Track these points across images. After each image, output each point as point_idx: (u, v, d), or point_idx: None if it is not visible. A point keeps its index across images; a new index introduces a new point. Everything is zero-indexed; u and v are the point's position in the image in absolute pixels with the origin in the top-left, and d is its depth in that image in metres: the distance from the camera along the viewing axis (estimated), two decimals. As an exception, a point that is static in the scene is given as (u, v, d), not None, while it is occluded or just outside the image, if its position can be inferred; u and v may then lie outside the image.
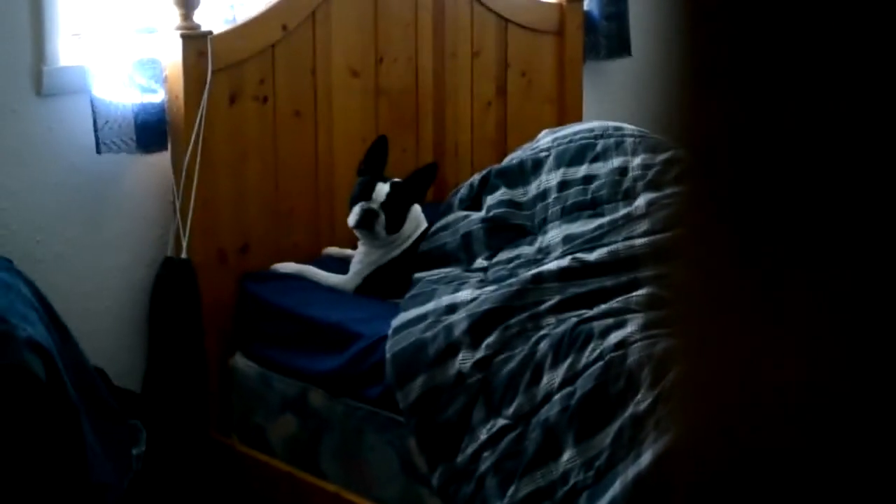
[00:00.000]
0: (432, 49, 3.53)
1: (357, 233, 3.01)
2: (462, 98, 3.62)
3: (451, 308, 2.68)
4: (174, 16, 2.95)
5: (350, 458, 2.83)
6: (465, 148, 3.66)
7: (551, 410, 2.40)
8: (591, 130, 3.16)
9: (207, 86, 2.98)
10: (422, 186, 3.02)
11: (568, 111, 3.85)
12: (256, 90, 3.17)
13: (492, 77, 3.70)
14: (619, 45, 4.02)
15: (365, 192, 2.95)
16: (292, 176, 3.27)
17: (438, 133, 3.59)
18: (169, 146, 3.03)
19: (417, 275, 2.92)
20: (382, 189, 2.95)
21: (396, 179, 3.00)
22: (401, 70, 3.47)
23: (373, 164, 3.01)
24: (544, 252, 2.82)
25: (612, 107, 4.07)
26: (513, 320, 2.58)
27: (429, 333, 2.64)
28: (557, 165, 3.06)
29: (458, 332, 2.60)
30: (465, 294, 2.72)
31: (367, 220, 2.95)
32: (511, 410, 2.47)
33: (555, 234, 2.87)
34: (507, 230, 2.97)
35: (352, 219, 2.96)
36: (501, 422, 2.48)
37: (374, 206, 2.94)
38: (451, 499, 2.51)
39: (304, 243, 3.28)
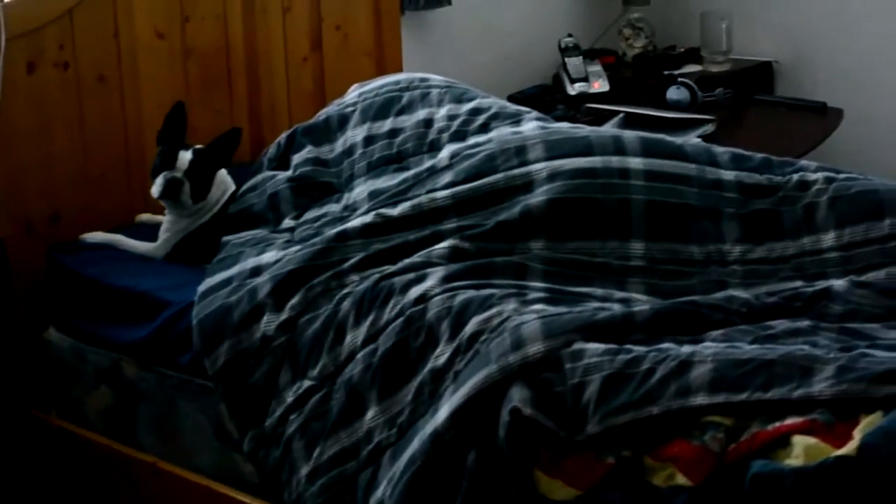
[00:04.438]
0: (241, 6, 3.46)
1: (163, 203, 2.95)
2: (275, 55, 3.57)
3: (256, 271, 2.64)
4: (-40, -17, 2.86)
5: (165, 427, 2.79)
6: (282, 106, 3.61)
7: (355, 369, 2.37)
8: (398, 83, 3.12)
9: (2, 54, 2.89)
10: (226, 151, 2.97)
11: (387, 64, 3.81)
12: (56, 56, 3.09)
13: (305, 32, 3.64)
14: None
15: (167, 162, 2.90)
16: (100, 143, 3.20)
17: (253, 92, 3.54)
18: (-34, 118, 2.94)
19: (225, 238, 2.87)
20: (185, 157, 2.90)
21: (198, 146, 2.94)
22: (209, 29, 3.40)
23: (172, 132, 2.95)
24: (350, 209, 2.78)
25: (432, 57, 4.04)
26: (316, 280, 2.55)
27: (233, 297, 2.60)
28: (363, 120, 3.02)
29: (261, 294, 2.56)
30: (269, 256, 2.68)
31: (171, 189, 2.89)
32: (316, 371, 2.44)
33: (360, 190, 2.83)
34: (314, 189, 2.92)
35: (155, 190, 2.91)
36: (307, 383, 2.45)
37: (178, 174, 2.89)
38: (262, 463, 2.48)
39: (117, 211, 3.21)
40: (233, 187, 3.03)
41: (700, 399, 2.00)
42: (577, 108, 4.12)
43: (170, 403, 2.76)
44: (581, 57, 4.37)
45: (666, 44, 4.86)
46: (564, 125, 2.90)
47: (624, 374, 2.07)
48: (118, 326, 2.85)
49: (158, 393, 2.77)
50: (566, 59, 4.35)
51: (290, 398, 2.46)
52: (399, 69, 3.80)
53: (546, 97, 4.27)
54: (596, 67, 4.36)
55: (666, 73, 4.37)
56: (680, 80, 4.16)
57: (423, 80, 3.12)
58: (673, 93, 4.12)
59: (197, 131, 3.12)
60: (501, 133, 2.82)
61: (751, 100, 4.35)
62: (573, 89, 4.27)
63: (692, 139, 2.93)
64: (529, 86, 4.41)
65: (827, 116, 4.17)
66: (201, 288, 2.68)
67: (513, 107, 3.02)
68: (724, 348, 2.12)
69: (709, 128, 3.76)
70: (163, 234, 3.01)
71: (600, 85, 4.29)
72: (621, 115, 3.79)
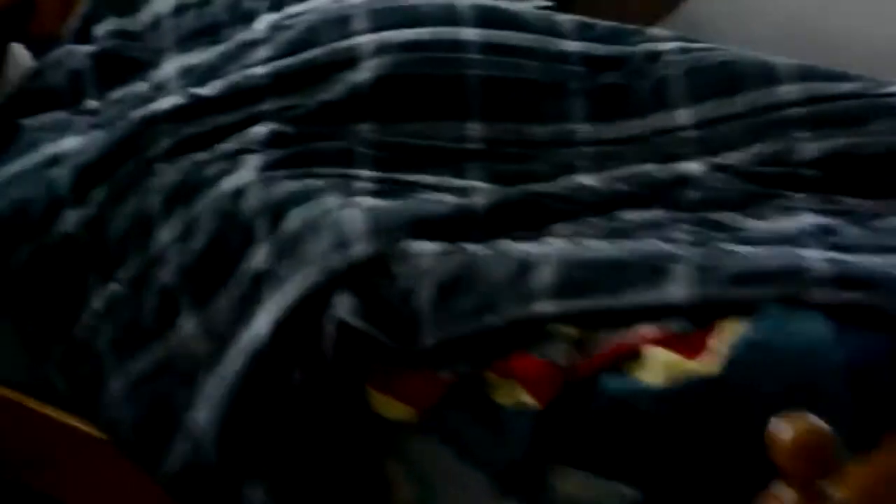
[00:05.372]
0: None
1: None
2: None
3: (54, 160, 2.37)
4: None
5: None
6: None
7: (166, 270, 2.15)
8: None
9: None
10: (17, 21, 2.65)
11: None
12: None
13: None
14: None
15: None
16: None
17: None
18: None
19: (20, 121, 2.58)
20: None
21: None
22: None
23: None
24: (159, 88, 2.50)
25: None
26: (122, 170, 2.29)
27: (30, 191, 2.33)
28: None
29: (61, 187, 2.30)
30: (69, 142, 2.41)
31: None
32: (125, 273, 2.21)
33: (170, 66, 2.55)
34: (120, 64, 2.62)
35: None
36: (116, 286, 2.21)
37: None
38: (72, 377, 2.25)
39: None
40: (31, 64, 2.72)
41: (544, 306, 1.82)
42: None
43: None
44: None
45: None
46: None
47: (459, 278, 1.88)
48: None
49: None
50: None
51: (97, 304, 2.23)
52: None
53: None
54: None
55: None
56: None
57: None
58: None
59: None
60: (322, 1, 2.55)
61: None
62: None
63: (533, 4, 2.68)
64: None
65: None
66: (-6, 180, 2.41)
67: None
68: (568, 246, 1.94)
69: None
70: (-47, 119, 2.70)
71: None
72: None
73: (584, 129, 2.35)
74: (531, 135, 2.34)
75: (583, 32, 2.51)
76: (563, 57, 2.44)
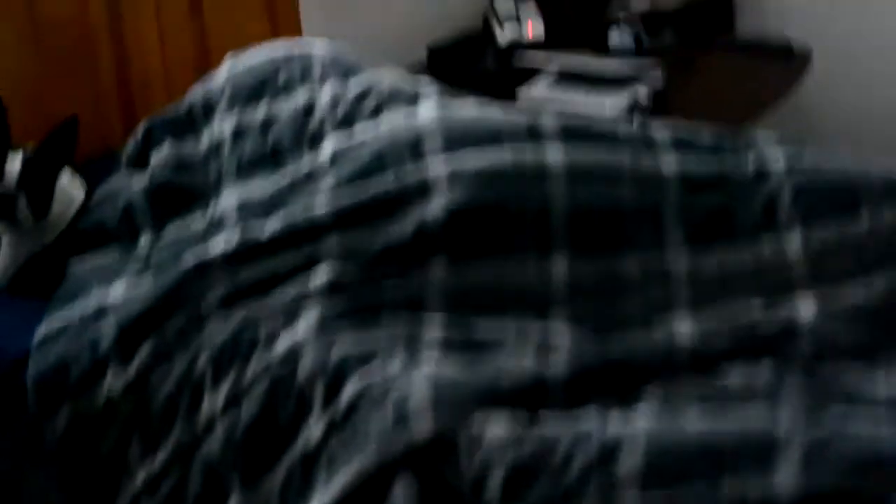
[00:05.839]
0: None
1: None
2: (145, 15, 3.04)
3: (100, 312, 2.17)
4: None
5: (8, 499, 2.31)
6: (158, 77, 3.08)
7: (213, 443, 1.92)
8: (274, 56, 2.56)
9: None
10: (64, 148, 2.45)
11: (279, 20, 3.28)
12: None
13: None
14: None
15: None
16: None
17: (121, 65, 3.01)
18: None
19: (71, 263, 2.37)
20: (13, 164, 2.38)
21: (29, 147, 2.42)
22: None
23: None
24: (216, 225, 2.27)
25: (337, 5, 3.50)
26: (170, 325, 2.07)
27: (73, 348, 2.13)
28: (232, 107, 2.48)
29: (104, 345, 2.10)
30: (117, 291, 2.20)
31: (3, 208, 2.38)
32: (170, 444, 1.99)
33: (229, 199, 2.32)
34: (176, 196, 2.40)
35: None
36: (161, 458, 1.99)
37: (8, 188, 2.38)
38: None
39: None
40: (81, 195, 2.52)
41: (629, 498, 1.55)
42: (509, 61, 3.59)
43: (16, 469, 2.27)
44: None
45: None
46: (470, 105, 2.37)
47: (534, 466, 1.63)
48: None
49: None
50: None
51: (141, 479, 2.02)
52: (293, 29, 3.28)
53: (473, 48, 3.72)
54: (528, 7, 3.81)
55: (607, 9, 3.82)
56: (622, 20, 3.61)
57: (304, 50, 2.58)
58: (615, 37, 3.58)
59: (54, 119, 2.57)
60: (393, 121, 2.31)
61: (705, 41, 3.79)
62: (503, 37, 3.72)
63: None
64: (453, 34, 3.85)
65: (794, 60, 3.64)
66: (38, 335, 2.20)
67: (411, 82, 2.49)
68: (661, 421, 1.66)
69: (655, 81, 3.23)
70: (2, 259, 2.51)
71: (534, 28, 3.73)
72: (555, 71, 3.28)
73: (681, 261, 2.07)
74: (622, 270, 2.06)
75: (680, 146, 2.23)
76: (658, 177, 2.16)
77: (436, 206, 2.08)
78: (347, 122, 2.38)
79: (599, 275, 2.05)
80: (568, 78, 3.20)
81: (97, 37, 2.96)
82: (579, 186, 2.11)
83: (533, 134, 2.20)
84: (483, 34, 3.83)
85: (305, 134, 2.39)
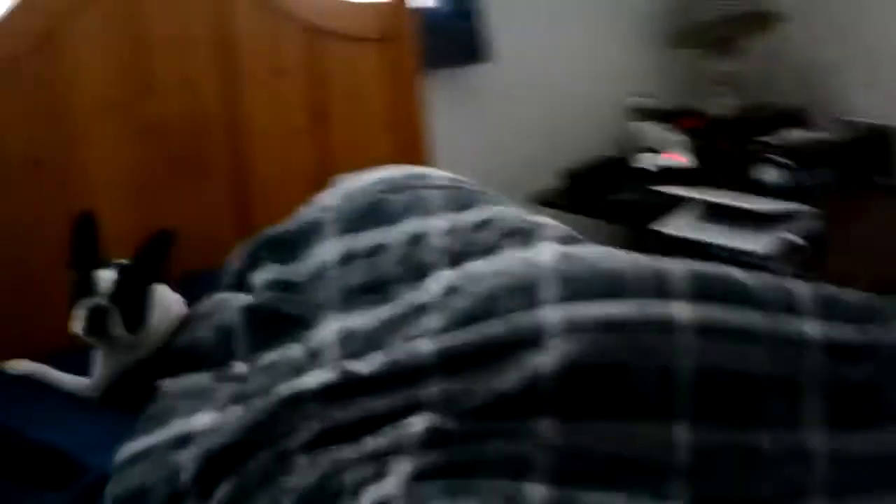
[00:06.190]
0: (217, 70, 2.83)
1: (89, 340, 2.33)
2: (265, 127, 2.93)
3: (183, 440, 2.03)
4: None
5: None
6: (276, 190, 2.97)
7: None
8: (388, 181, 2.45)
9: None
10: (156, 261, 2.34)
11: (406, 137, 3.15)
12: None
13: (302, 98, 3.00)
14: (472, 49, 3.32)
15: (84, 287, 2.28)
16: (35, 244, 2.60)
17: (237, 173, 2.90)
18: None
19: (161, 382, 2.25)
20: (106, 277, 2.27)
21: (123, 261, 2.32)
22: (175, 98, 2.77)
23: (83, 250, 2.32)
24: (314, 355, 2.13)
25: (468, 125, 3.38)
26: (254, 461, 1.92)
27: (152, 475, 1.99)
28: (339, 231, 2.35)
29: (184, 476, 1.95)
30: (203, 418, 2.06)
31: (96, 322, 2.28)
32: None
33: (330, 329, 2.17)
34: (276, 322, 2.27)
35: (77, 325, 2.29)
36: None
37: (102, 301, 2.27)
38: None
39: (57, 327, 2.58)
40: (181, 310, 2.41)
41: None
42: (649, 189, 3.41)
43: None
44: (654, 120, 3.65)
45: (762, 102, 4.09)
46: (593, 250, 2.19)
47: None
48: (24, 491, 2.24)
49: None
50: (635, 124, 3.64)
51: None
52: (419, 143, 3.14)
53: (610, 173, 3.55)
54: (674, 134, 3.62)
55: (757, 141, 3.60)
56: (775, 156, 3.39)
57: (420, 177, 2.45)
58: (765, 174, 3.36)
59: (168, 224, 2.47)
60: (509, 260, 2.14)
61: (864, 180, 3.54)
62: (643, 163, 3.55)
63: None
64: (589, 157, 3.70)
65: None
66: (119, 457, 2.08)
67: (532, 219, 2.33)
68: None
69: (811, 225, 2.98)
70: (97, 370, 2.41)
71: (680, 157, 3.53)
72: (700, 203, 3.08)
73: (821, 442, 1.86)
74: (754, 444, 1.86)
75: (827, 309, 2.01)
76: (800, 343, 1.95)
77: (549, 357, 1.90)
78: (460, 256, 2.22)
79: (726, 447, 1.85)
80: (714, 211, 3.00)
81: (214, 145, 2.85)
82: (709, 345, 1.91)
83: (661, 285, 2.00)
84: (620, 159, 3.66)
85: (414, 265, 2.24)
